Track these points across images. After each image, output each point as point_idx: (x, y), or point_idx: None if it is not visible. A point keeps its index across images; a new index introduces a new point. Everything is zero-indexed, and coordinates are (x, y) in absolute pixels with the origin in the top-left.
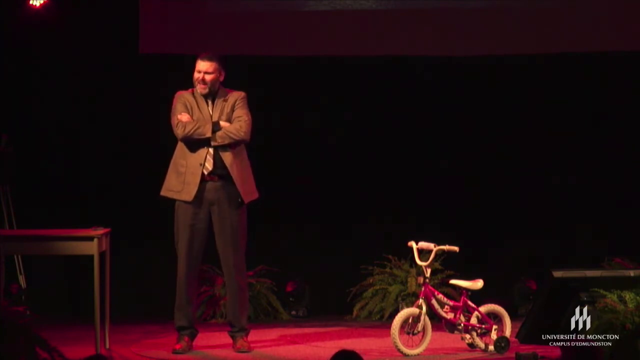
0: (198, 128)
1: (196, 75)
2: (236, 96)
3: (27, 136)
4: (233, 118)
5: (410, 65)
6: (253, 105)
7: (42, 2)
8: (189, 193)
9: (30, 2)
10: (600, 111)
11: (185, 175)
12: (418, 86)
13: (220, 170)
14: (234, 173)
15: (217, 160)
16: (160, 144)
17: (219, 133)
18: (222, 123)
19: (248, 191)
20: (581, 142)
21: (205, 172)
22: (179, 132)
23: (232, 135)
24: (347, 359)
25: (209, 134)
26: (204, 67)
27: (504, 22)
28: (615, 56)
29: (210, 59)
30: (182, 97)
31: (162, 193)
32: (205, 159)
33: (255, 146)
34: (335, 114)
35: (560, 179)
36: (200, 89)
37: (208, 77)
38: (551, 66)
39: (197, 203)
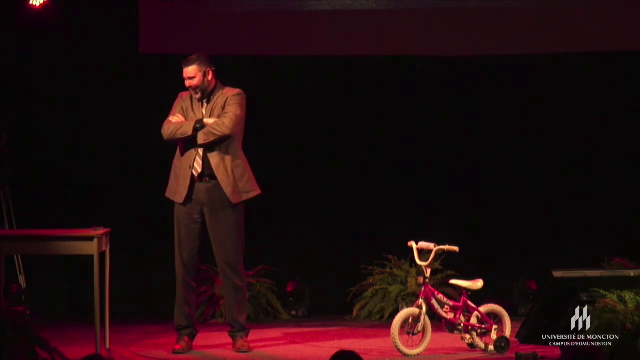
0: (180, 128)
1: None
2: (230, 93)
3: (27, 136)
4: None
5: (410, 65)
6: (252, 106)
7: (42, 2)
8: (180, 195)
9: (30, 2)
10: (601, 111)
11: (179, 177)
12: (418, 86)
13: (209, 171)
14: (219, 174)
15: (207, 162)
16: (160, 144)
17: (202, 130)
18: (205, 120)
19: (242, 191)
20: (581, 142)
21: (195, 174)
22: (163, 133)
23: (214, 130)
24: (346, 359)
25: (190, 132)
26: (185, 74)
27: (504, 22)
28: (615, 56)
29: (188, 64)
30: (181, 100)
31: (166, 195)
32: (194, 161)
33: (254, 146)
34: (335, 113)
35: (561, 179)
36: (193, 95)
37: (192, 82)
38: (552, 66)
39: (190, 204)
